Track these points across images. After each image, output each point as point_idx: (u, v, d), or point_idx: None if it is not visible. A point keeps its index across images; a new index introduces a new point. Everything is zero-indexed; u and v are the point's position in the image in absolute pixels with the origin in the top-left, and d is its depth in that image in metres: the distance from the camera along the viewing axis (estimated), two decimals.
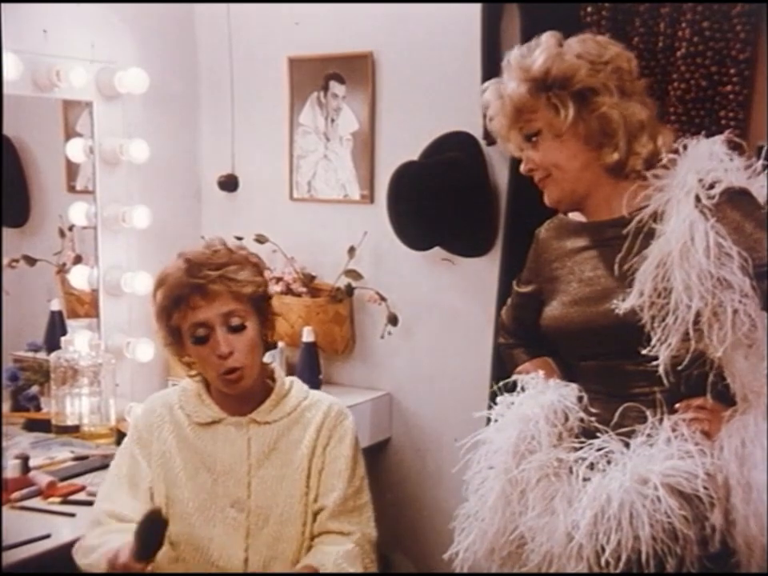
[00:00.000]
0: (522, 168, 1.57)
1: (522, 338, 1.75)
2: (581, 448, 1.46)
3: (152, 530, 1.44)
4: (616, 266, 1.47)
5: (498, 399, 1.60)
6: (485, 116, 1.58)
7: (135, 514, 1.55)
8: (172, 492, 1.61)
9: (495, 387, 1.65)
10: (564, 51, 1.49)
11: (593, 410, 1.51)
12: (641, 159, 1.49)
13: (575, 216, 1.62)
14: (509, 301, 1.79)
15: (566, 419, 1.50)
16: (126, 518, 1.57)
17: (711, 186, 1.41)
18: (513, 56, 1.54)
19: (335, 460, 1.61)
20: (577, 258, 1.56)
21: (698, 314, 1.37)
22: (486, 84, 1.57)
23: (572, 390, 1.54)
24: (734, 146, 1.50)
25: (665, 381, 1.42)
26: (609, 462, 1.43)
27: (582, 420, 1.50)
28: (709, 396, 1.43)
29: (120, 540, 1.49)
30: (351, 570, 1.54)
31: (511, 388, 1.62)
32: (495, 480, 1.51)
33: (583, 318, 1.51)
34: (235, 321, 1.57)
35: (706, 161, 1.45)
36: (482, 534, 1.52)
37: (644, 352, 1.42)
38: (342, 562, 1.54)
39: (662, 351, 1.40)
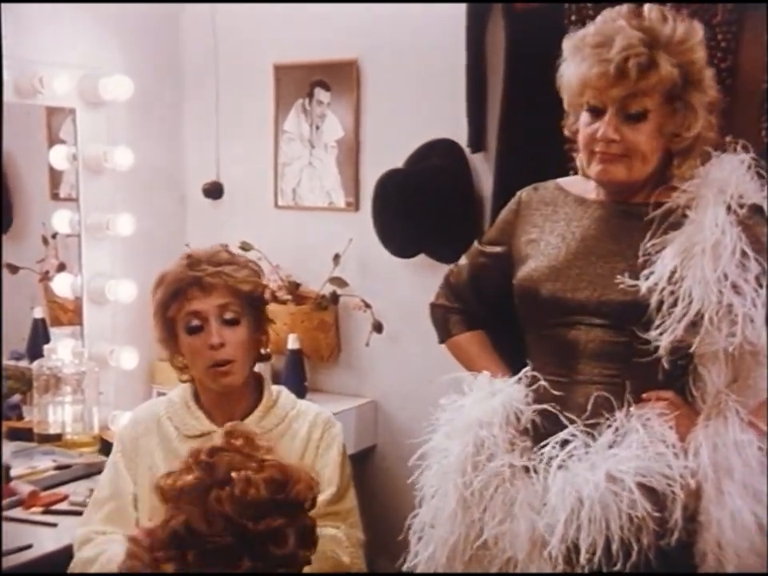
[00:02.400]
0: (606, 133, 1.44)
1: (467, 302, 1.68)
2: (542, 447, 1.44)
3: None
4: (625, 245, 1.46)
5: (444, 402, 1.56)
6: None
7: (118, 529, 1.54)
8: (156, 505, 1.59)
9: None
10: (705, 54, 1.45)
11: (554, 393, 1.47)
12: (691, 170, 1.48)
13: (570, 187, 1.59)
14: (462, 261, 1.71)
15: (519, 421, 1.48)
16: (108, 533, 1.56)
17: (742, 196, 1.44)
18: (662, 23, 1.43)
19: (322, 468, 1.61)
20: (574, 227, 1.53)
21: (701, 310, 1.38)
22: (612, 26, 1.42)
23: (522, 388, 1.50)
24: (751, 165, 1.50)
25: (665, 365, 1.40)
26: (570, 456, 1.41)
27: (540, 411, 1.47)
28: (685, 390, 1.44)
29: (120, 547, 1.48)
30: (340, 553, 1.54)
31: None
32: (453, 488, 1.48)
33: (576, 285, 1.47)
34: (229, 314, 1.59)
35: (740, 174, 1.46)
36: (443, 542, 1.49)
37: (644, 336, 1.40)
38: (330, 545, 1.53)
39: (666, 337, 1.39)
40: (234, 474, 1.19)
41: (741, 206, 1.42)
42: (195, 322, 1.58)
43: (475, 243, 1.71)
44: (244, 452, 1.23)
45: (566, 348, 1.49)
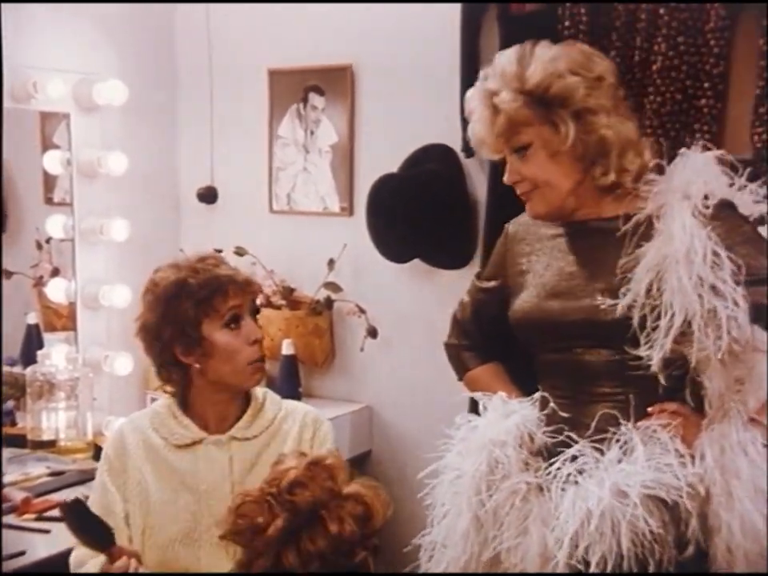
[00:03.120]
0: (507, 179, 1.53)
1: (475, 339, 1.71)
2: (552, 462, 1.46)
3: (78, 520, 1.40)
4: (604, 265, 1.47)
5: (459, 420, 1.57)
6: (465, 121, 1.54)
7: None
8: (149, 520, 1.58)
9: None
10: (559, 66, 1.46)
11: (563, 415, 1.49)
12: (631, 176, 1.49)
13: None
14: (465, 298, 1.75)
15: (532, 442, 1.50)
16: None
17: (706, 197, 1.44)
18: (503, 63, 1.49)
19: None
20: (556, 253, 1.55)
21: (687, 319, 1.38)
22: (472, 91, 1.53)
23: (536, 409, 1.52)
24: (721, 161, 1.52)
25: (661, 380, 1.41)
26: (581, 472, 1.42)
27: (551, 433, 1.49)
28: (688, 398, 1.44)
29: None
30: None
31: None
32: (466, 508, 1.49)
33: (561, 312, 1.50)
34: (254, 311, 1.65)
35: (702, 173, 1.47)
36: (455, 561, 1.51)
37: (635, 353, 1.42)
38: None
39: (656, 353, 1.40)
40: (323, 513, 1.16)
41: (707, 207, 1.43)
42: (235, 319, 1.59)
43: (474, 280, 1.75)
44: (326, 486, 1.19)
45: (568, 371, 1.51)
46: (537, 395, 1.54)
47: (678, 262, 1.39)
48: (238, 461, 1.60)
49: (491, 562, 1.48)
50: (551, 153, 1.47)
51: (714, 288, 1.39)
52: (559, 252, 1.55)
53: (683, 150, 1.51)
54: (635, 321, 1.41)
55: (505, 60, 1.50)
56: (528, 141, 1.48)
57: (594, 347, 1.48)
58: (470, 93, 1.54)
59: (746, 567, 1.36)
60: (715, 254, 1.39)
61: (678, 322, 1.38)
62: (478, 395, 1.60)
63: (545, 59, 1.47)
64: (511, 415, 1.52)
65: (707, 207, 1.43)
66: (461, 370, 1.75)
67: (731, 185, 1.50)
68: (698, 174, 1.47)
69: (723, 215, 1.44)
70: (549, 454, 1.49)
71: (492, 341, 1.68)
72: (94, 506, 1.61)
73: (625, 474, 1.38)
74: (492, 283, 1.67)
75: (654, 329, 1.40)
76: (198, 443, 1.61)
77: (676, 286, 1.39)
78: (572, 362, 1.50)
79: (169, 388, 1.65)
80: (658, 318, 1.40)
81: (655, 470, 1.38)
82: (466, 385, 1.73)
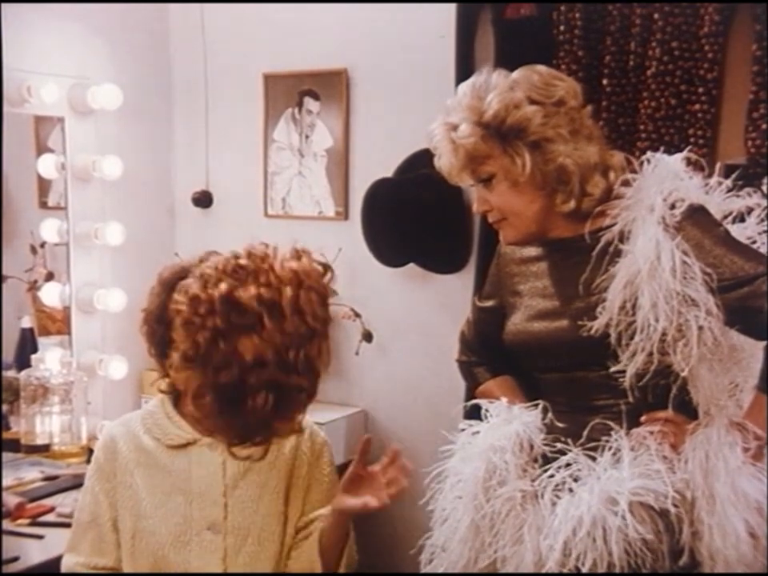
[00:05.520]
0: (476, 208, 1.54)
1: (483, 355, 1.73)
2: (548, 469, 1.46)
3: None
4: (581, 285, 1.48)
5: (462, 426, 1.58)
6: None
7: (103, 557, 1.54)
8: (140, 524, 1.57)
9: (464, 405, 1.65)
10: (516, 96, 1.44)
11: (559, 425, 1.50)
12: (595, 200, 1.48)
13: None
14: (469, 316, 1.77)
15: (532, 449, 1.50)
16: (98, 566, 1.55)
17: (674, 206, 1.43)
18: (462, 95, 1.49)
19: (319, 479, 1.60)
20: (538, 273, 1.57)
21: (663, 332, 1.39)
22: (435, 125, 1.52)
23: (536, 416, 1.53)
24: (692, 162, 1.52)
25: (629, 396, 1.44)
26: (576, 480, 1.43)
27: (548, 443, 1.50)
28: (671, 407, 1.45)
29: None
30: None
31: (476, 409, 1.61)
32: (464, 512, 1.50)
33: (546, 333, 1.52)
34: None
35: (670, 180, 1.46)
36: (452, 565, 1.51)
37: (612, 369, 1.43)
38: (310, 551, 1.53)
39: (630, 368, 1.41)
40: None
41: (675, 216, 1.42)
42: None
43: (474, 299, 1.76)
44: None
45: (563, 387, 1.53)
46: (539, 403, 1.55)
47: (645, 279, 1.40)
48: (232, 464, 1.59)
49: (487, 569, 1.48)
50: (513, 183, 1.47)
51: (687, 299, 1.38)
52: (541, 273, 1.56)
53: (649, 154, 1.50)
54: (613, 338, 1.42)
55: (463, 91, 1.49)
56: (492, 171, 1.48)
57: (582, 364, 1.49)
58: (432, 127, 1.53)
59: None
60: (685, 264, 1.39)
61: (652, 337, 1.39)
62: (481, 401, 1.60)
63: (502, 89, 1.46)
64: (513, 421, 1.53)
65: (675, 216, 1.42)
66: (472, 384, 1.76)
67: (703, 185, 1.49)
68: (662, 181, 1.46)
69: (693, 221, 1.42)
70: (545, 462, 1.50)
71: (500, 356, 1.69)
72: (82, 511, 1.61)
73: (614, 481, 1.39)
74: (490, 302, 1.69)
75: (628, 345, 1.41)
76: (191, 444, 1.59)
77: (648, 302, 1.39)
78: (565, 379, 1.52)
79: (164, 385, 1.63)
80: (634, 335, 1.41)
81: (644, 476, 1.38)
82: (479, 398, 1.73)
